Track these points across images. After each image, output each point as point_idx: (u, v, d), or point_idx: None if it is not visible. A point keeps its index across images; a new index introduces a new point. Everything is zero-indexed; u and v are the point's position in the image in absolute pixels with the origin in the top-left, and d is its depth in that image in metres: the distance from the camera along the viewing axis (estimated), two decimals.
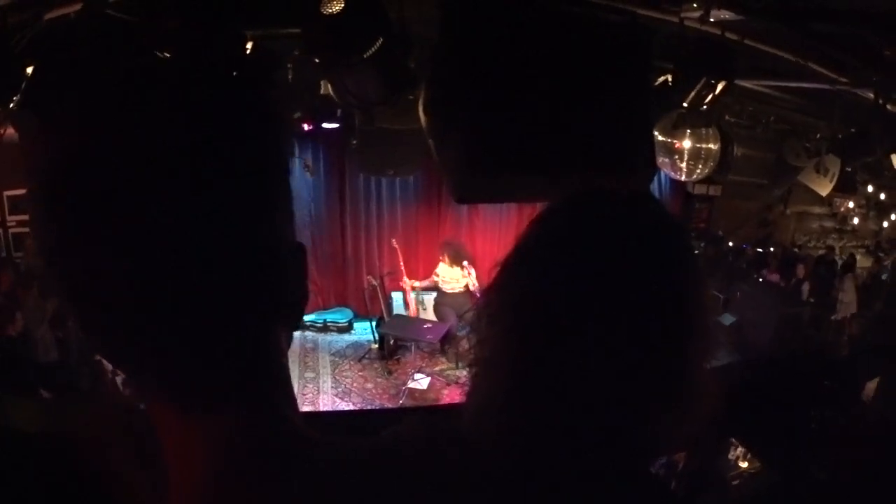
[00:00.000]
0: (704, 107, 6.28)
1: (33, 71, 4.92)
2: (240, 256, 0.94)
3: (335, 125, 10.81)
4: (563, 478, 1.34)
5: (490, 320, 1.48)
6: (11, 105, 4.95)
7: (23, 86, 4.90)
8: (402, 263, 14.21)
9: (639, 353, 1.32)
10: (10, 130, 6.62)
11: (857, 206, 18.23)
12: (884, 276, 15.55)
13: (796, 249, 17.71)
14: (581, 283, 1.34)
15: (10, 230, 12.79)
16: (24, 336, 9.61)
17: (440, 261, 13.53)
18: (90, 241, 0.87)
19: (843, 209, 18.45)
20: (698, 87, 6.03)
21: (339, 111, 10.23)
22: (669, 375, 1.35)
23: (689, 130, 8.43)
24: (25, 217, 10.76)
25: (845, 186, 10.72)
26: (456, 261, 13.34)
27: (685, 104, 6.25)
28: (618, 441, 1.35)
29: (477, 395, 1.50)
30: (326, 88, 6.52)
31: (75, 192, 0.87)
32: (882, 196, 16.39)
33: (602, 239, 1.38)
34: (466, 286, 13.30)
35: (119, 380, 9.52)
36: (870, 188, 14.84)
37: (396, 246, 14.31)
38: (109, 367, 9.42)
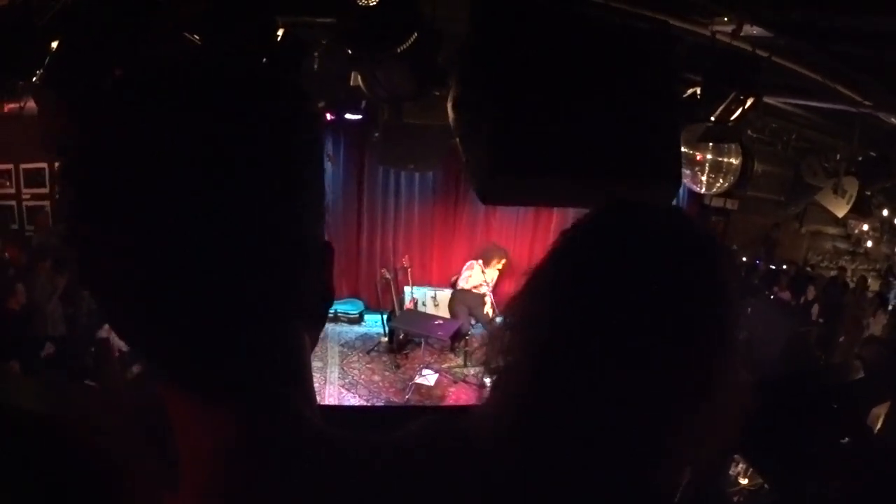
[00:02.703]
0: (730, 122, 6.28)
1: (58, 46, 4.90)
2: (264, 252, 0.94)
3: (358, 117, 10.81)
4: (576, 491, 1.34)
5: (516, 328, 1.48)
6: (34, 79, 4.94)
7: (46, 61, 4.89)
8: (410, 278, 14.31)
9: (666, 371, 1.31)
10: (29, 104, 6.63)
11: (872, 228, 18.16)
12: (893, 301, 15.48)
13: (809, 269, 17.67)
14: (612, 297, 1.33)
15: (25, 203, 12.85)
16: (29, 309, 9.62)
17: (482, 265, 13.37)
18: (115, 228, 0.88)
19: (857, 231, 18.39)
20: (727, 101, 6.03)
21: (363, 103, 10.24)
22: (696, 396, 1.34)
23: (711, 143, 8.44)
24: (40, 190, 10.69)
25: (861, 209, 10.68)
26: (496, 264, 13.41)
27: (712, 118, 6.25)
28: (635, 459, 1.35)
29: (495, 402, 1.49)
30: (356, 80, 6.51)
31: (103, 179, 0.88)
32: None
33: (637, 252, 1.36)
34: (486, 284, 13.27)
35: (124, 358, 9.55)
36: (885, 212, 14.78)
37: (408, 265, 14.34)
38: (116, 347, 9.45)
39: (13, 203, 12.91)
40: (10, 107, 9.18)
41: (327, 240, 1.12)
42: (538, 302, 1.45)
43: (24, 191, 12.82)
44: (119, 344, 9.46)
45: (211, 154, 0.88)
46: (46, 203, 12.75)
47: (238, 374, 1.01)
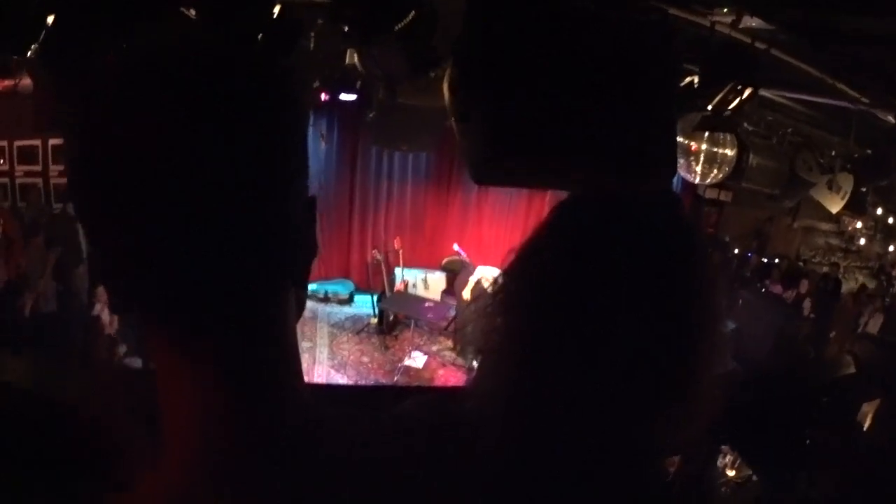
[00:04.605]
0: (727, 112, 6.26)
1: (54, 20, 4.86)
2: (255, 210, 0.96)
3: (352, 97, 10.80)
4: (565, 469, 1.35)
5: (502, 308, 1.48)
6: (30, 54, 4.89)
7: (42, 36, 4.84)
8: (401, 260, 14.30)
9: (648, 350, 1.32)
10: (24, 81, 6.60)
11: (865, 227, 18.18)
12: (887, 300, 15.52)
13: (801, 263, 17.69)
14: (596, 277, 1.34)
15: (18, 180, 12.84)
16: (18, 285, 9.62)
17: None
18: (113, 200, 0.91)
19: (850, 228, 18.41)
20: (724, 91, 6.02)
21: (358, 83, 10.20)
22: (676, 375, 1.36)
23: (706, 134, 8.43)
24: (33, 167, 10.72)
25: (856, 206, 10.70)
26: None
27: (709, 108, 6.24)
28: (620, 435, 1.36)
29: (484, 381, 1.51)
30: (351, 58, 6.49)
31: (103, 147, 0.90)
32: (890, 220, 16.34)
33: (620, 235, 1.38)
34: None
35: (113, 336, 9.55)
36: (879, 210, 14.80)
37: (399, 247, 14.32)
38: (106, 325, 9.45)
39: (6, 180, 12.84)
40: (4, 84, 9.16)
41: (311, 195, 1.12)
42: (524, 283, 1.46)
43: (18, 168, 12.79)
44: (108, 323, 9.51)
45: (202, 127, 0.90)
46: (39, 180, 12.76)
47: (227, 333, 1.01)
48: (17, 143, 12.55)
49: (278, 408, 1.04)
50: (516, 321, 1.43)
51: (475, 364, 1.59)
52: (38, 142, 12.56)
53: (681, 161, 8.69)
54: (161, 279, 0.94)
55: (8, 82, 8.64)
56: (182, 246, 0.91)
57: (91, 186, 0.93)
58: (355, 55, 5.89)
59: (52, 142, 12.30)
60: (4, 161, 12.74)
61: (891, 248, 17.96)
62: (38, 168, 12.73)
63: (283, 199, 1.00)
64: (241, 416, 1.01)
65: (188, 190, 0.89)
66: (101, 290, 9.44)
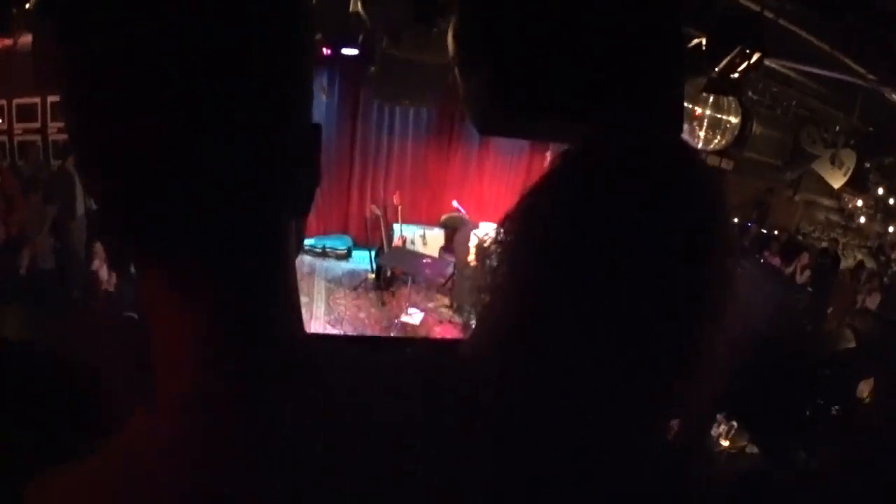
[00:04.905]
0: (734, 76, 6.23)
1: None
2: (258, 133, 0.92)
3: (354, 52, 10.75)
4: (559, 429, 1.32)
5: (503, 257, 1.44)
6: (27, 6, 4.80)
7: None
8: (399, 216, 14.25)
9: (655, 305, 1.27)
10: (22, 39, 6.54)
11: (866, 205, 18.16)
12: (885, 280, 15.57)
13: (801, 237, 17.73)
14: (605, 224, 1.29)
15: (17, 138, 12.87)
16: (17, 242, 9.65)
17: None
18: (115, 113, 0.86)
19: (851, 206, 18.40)
20: (732, 55, 5.98)
21: (360, 37, 10.15)
22: (682, 339, 1.32)
23: (710, 100, 8.40)
24: (32, 125, 10.76)
25: (858, 183, 10.72)
26: None
27: (716, 70, 6.19)
28: (623, 394, 1.32)
29: (484, 328, 1.48)
30: (355, 6, 6.44)
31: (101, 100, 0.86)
32: (891, 201, 16.32)
33: (635, 182, 1.31)
34: None
35: (111, 291, 9.63)
36: (880, 190, 14.80)
37: (398, 203, 14.24)
38: (104, 280, 9.51)
39: (5, 139, 12.87)
40: (3, 42, 9.14)
41: (316, 122, 1.07)
42: (527, 232, 1.41)
43: (17, 125, 12.81)
44: (106, 279, 9.60)
45: (203, 55, 0.86)
46: (38, 137, 12.79)
47: (228, 266, 0.97)
48: (16, 101, 12.59)
49: (278, 348, 1.01)
50: (517, 271, 1.39)
51: (472, 321, 1.57)
52: (37, 99, 12.57)
53: (684, 125, 8.67)
54: (162, 209, 0.90)
55: (7, 41, 8.61)
56: (184, 174, 0.88)
57: (90, 105, 0.87)
58: (359, 2, 5.85)
59: (50, 99, 12.32)
60: (4, 120, 12.78)
61: (890, 229, 17.97)
62: (37, 125, 12.77)
63: (286, 124, 0.97)
64: (240, 356, 0.98)
65: (190, 115, 0.85)
66: (98, 246, 9.63)
